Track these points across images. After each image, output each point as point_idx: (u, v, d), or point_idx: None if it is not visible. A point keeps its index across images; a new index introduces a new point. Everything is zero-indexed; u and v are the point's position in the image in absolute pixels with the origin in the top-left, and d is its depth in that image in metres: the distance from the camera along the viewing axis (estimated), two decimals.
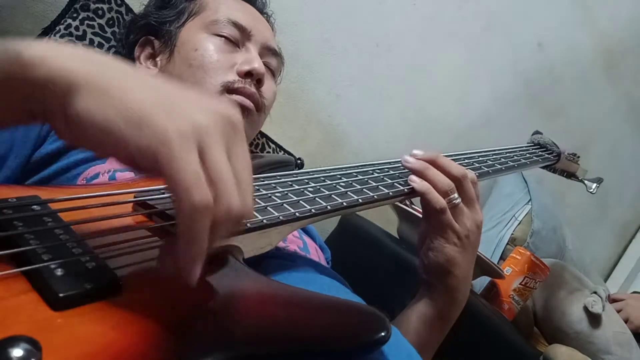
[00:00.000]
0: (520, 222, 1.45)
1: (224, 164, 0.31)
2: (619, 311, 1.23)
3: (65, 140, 0.32)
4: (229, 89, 0.70)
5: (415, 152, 0.60)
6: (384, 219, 1.16)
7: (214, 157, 0.30)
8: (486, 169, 0.71)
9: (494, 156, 0.77)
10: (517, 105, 1.59)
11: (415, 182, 0.57)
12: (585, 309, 1.01)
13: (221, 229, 0.31)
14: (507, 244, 1.41)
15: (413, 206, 0.96)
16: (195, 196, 0.29)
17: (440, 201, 0.56)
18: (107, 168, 0.60)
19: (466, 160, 0.71)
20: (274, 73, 0.82)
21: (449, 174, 0.58)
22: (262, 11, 0.84)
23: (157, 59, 0.77)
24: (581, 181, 1.00)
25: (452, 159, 0.69)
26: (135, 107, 0.30)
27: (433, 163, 0.58)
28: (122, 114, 0.29)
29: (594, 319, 1.02)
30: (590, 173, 1.02)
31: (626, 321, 1.20)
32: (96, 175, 0.60)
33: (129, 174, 0.57)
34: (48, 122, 0.33)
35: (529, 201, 1.50)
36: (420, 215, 0.63)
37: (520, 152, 0.85)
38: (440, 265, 0.58)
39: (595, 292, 1.05)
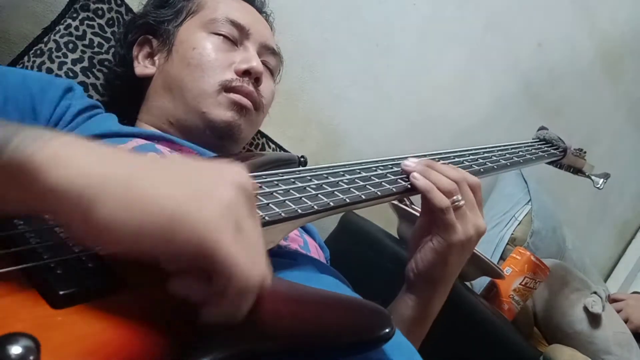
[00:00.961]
0: (520, 222, 1.45)
1: (258, 235, 0.31)
2: (619, 311, 1.23)
3: (84, 246, 0.30)
4: (227, 88, 0.70)
5: (412, 158, 0.60)
6: (384, 219, 1.16)
7: (249, 229, 0.30)
8: (491, 165, 0.70)
9: (499, 152, 0.76)
10: (517, 105, 1.59)
11: (419, 179, 0.57)
12: (585, 309, 1.01)
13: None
14: (507, 244, 1.41)
15: (413, 206, 0.96)
16: (254, 274, 0.28)
17: (444, 200, 0.55)
18: None
19: (471, 156, 0.70)
20: (272, 72, 0.82)
21: (448, 177, 0.57)
22: (260, 10, 0.84)
23: (155, 57, 0.77)
24: (588, 177, 0.99)
25: (456, 156, 0.69)
26: (165, 206, 0.27)
27: (432, 167, 0.58)
28: (154, 218, 0.27)
29: (594, 319, 1.01)
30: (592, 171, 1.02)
31: (626, 321, 1.20)
32: None
33: None
34: (61, 226, 0.31)
35: (529, 201, 1.49)
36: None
37: (526, 148, 0.84)
38: (434, 266, 0.58)
39: (595, 292, 1.04)
